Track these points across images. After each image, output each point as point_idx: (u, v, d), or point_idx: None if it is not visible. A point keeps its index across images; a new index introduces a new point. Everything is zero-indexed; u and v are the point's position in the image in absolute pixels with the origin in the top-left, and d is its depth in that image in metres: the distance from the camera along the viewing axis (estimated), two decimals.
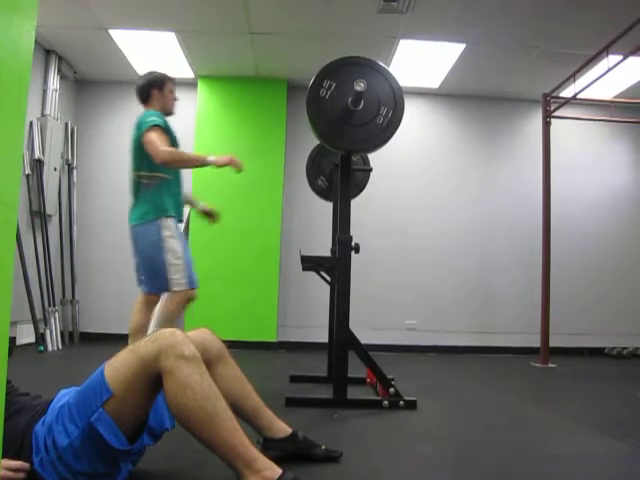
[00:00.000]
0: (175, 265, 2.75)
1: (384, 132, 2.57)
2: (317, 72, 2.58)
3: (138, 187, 2.85)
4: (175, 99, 3.05)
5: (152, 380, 1.28)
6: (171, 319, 2.78)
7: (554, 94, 4.67)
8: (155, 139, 2.72)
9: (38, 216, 4.64)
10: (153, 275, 2.81)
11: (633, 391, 3.31)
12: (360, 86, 2.41)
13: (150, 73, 3.09)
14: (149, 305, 2.91)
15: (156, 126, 2.76)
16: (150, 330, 2.74)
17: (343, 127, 2.56)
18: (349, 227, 2.66)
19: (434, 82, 5.17)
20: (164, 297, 2.83)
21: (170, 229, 2.78)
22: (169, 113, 2.99)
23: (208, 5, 3.91)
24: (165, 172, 2.82)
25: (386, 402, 2.56)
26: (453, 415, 2.58)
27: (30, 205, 4.55)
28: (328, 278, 3.07)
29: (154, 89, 3.01)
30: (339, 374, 2.58)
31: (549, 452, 1.94)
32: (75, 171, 5.13)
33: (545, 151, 4.63)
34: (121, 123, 5.30)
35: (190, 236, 5.11)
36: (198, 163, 2.86)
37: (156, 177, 2.81)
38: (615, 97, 5.08)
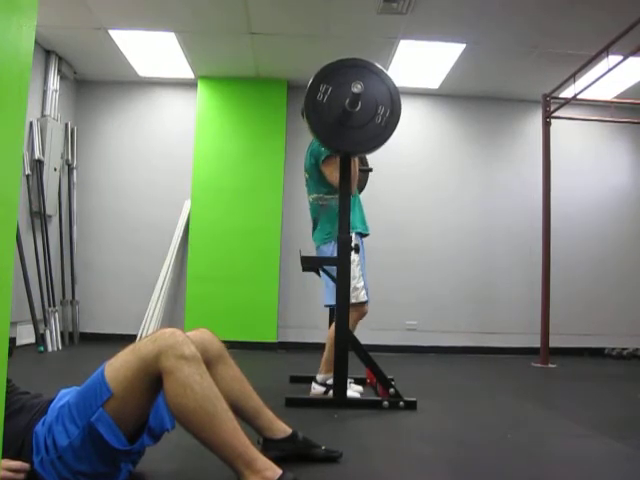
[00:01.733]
0: (355, 279, 2.84)
1: (382, 133, 2.57)
2: (314, 74, 2.58)
3: (318, 209, 3.02)
4: None
5: (152, 380, 1.28)
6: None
7: (554, 94, 4.66)
8: (333, 169, 2.83)
9: (38, 216, 4.64)
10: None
11: (633, 392, 3.31)
12: (357, 88, 2.42)
13: None
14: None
15: (329, 157, 2.89)
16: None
17: (341, 129, 2.56)
18: (349, 227, 2.66)
19: (434, 82, 5.17)
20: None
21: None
22: None
23: (208, 5, 3.91)
24: None
25: (386, 402, 2.56)
26: (453, 415, 2.58)
27: (30, 205, 4.55)
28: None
29: None
30: (339, 374, 2.58)
31: (549, 452, 1.94)
32: (75, 171, 5.13)
33: (545, 152, 4.63)
34: (121, 123, 5.32)
35: (190, 237, 5.12)
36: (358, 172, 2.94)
37: (335, 198, 2.91)
38: (615, 97, 5.08)
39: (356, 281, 2.85)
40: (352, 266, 2.75)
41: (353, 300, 2.80)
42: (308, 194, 3.09)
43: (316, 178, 2.99)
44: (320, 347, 3.00)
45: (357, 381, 3.05)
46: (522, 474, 1.72)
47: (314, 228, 3.07)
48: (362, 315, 2.94)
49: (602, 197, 5.47)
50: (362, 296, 2.88)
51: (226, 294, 4.94)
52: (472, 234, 5.34)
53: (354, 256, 2.80)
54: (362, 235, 3.03)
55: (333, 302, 2.77)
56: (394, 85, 2.60)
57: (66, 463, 1.26)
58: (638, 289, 5.36)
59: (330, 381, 2.82)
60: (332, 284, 2.80)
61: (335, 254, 2.78)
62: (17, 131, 0.86)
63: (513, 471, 1.74)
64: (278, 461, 1.39)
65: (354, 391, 2.87)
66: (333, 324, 2.85)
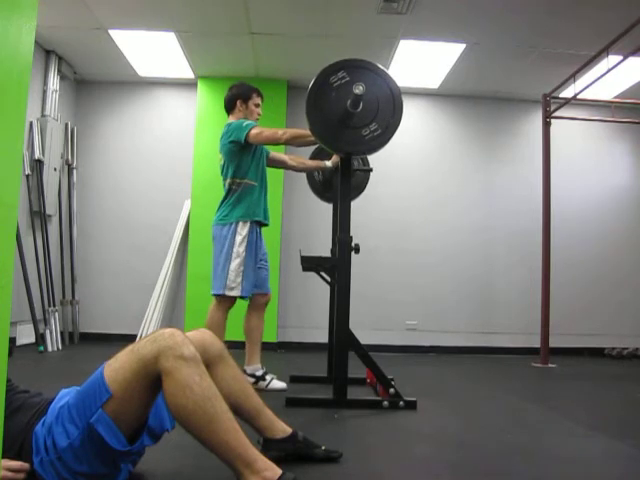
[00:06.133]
0: (236, 271, 2.93)
1: (381, 136, 2.58)
2: (317, 73, 2.59)
3: (227, 192, 3.04)
4: (259, 113, 3.18)
5: (152, 381, 1.28)
6: (217, 322, 3.00)
7: (554, 94, 4.66)
8: (261, 129, 2.89)
9: (38, 216, 4.64)
10: (217, 275, 3.00)
11: (633, 391, 3.31)
12: (359, 89, 2.43)
13: (240, 84, 3.21)
14: (256, 307, 3.17)
15: (253, 126, 2.93)
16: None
17: (341, 129, 2.57)
18: (349, 227, 2.66)
19: (434, 82, 5.16)
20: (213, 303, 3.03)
21: (244, 235, 2.95)
22: None
23: (208, 5, 3.91)
24: (251, 179, 3.01)
25: (386, 402, 2.56)
26: (453, 415, 2.58)
27: (30, 205, 4.55)
28: (328, 279, 3.07)
29: (239, 100, 3.13)
30: (339, 374, 2.58)
31: (549, 453, 1.94)
32: (75, 171, 5.13)
33: (545, 152, 4.62)
34: (121, 123, 5.31)
35: (190, 236, 5.11)
36: (311, 137, 2.86)
37: (242, 183, 2.99)
38: (615, 97, 5.08)
39: (234, 275, 2.92)
40: (233, 260, 2.90)
41: (228, 293, 2.94)
42: (223, 179, 3.10)
43: (228, 161, 3.01)
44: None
45: (357, 381, 3.05)
46: (522, 474, 1.72)
47: (217, 208, 3.10)
48: (228, 307, 3.04)
49: (602, 197, 5.47)
50: (233, 291, 2.95)
51: None
52: (472, 234, 5.34)
53: (241, 248, 2.92)
54: (261, 225, 3.07)
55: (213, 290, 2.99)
56: (398, 90, 2.61)
57: (66, 464, 1.25)
58: (638, 289, 5.36)
59: (259, 372, 2.98)
60: (217, 273, 2.97)
61: (224, 237, 2.94)
62: (17, 131, 0.86)
63: (513, 471, 1.74)
64: (278, 461, 1.39)
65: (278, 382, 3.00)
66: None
